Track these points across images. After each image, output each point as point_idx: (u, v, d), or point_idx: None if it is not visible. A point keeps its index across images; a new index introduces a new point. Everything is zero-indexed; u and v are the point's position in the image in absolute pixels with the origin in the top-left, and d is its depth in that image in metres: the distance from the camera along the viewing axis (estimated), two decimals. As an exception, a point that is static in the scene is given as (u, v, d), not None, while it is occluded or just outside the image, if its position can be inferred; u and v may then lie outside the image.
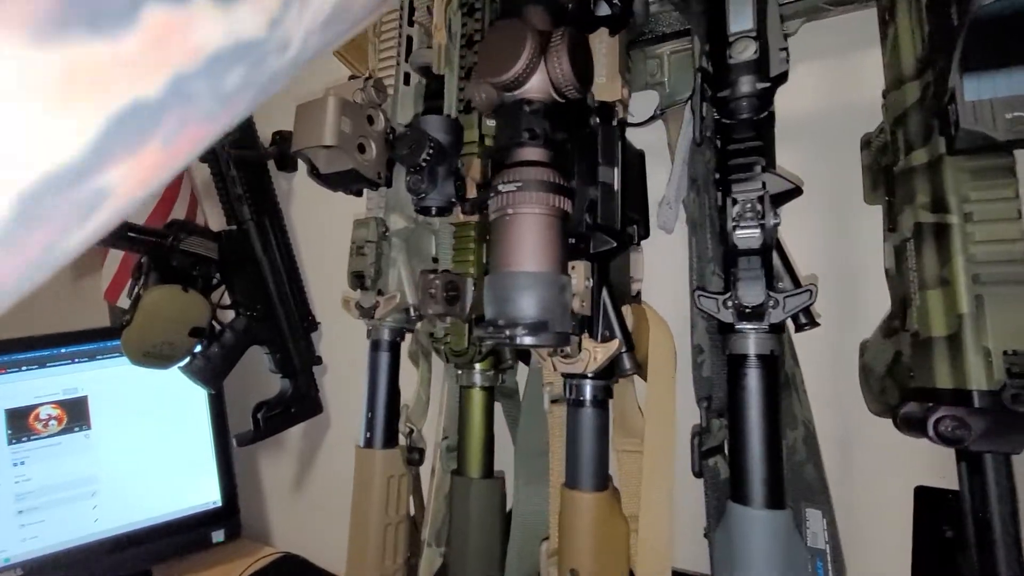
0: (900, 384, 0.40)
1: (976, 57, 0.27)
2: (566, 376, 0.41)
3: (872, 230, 0.42)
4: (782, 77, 0.32)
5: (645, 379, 0.44)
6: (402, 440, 0.54)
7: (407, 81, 0.57)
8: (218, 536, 0.93)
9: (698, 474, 0.39)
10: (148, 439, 0.96)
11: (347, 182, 0.51)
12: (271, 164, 0.95)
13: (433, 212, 0.46)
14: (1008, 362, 0.27)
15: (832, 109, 0.52)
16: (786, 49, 0.32)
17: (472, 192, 0.48)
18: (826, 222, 0.50)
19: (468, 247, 0.48)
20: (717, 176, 0.38)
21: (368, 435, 0.53)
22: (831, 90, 0.53)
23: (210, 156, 0.84)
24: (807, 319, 0.36)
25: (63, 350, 0.92)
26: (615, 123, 0.44)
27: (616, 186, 0.43)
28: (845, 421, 0.48)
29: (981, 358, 0.28)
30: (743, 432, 0.36)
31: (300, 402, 0.92)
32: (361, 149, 0.49)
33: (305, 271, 0.97)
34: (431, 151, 0.41)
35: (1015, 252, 0.28)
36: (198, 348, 0.80)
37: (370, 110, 0.50)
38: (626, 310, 0.43)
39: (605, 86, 0.42)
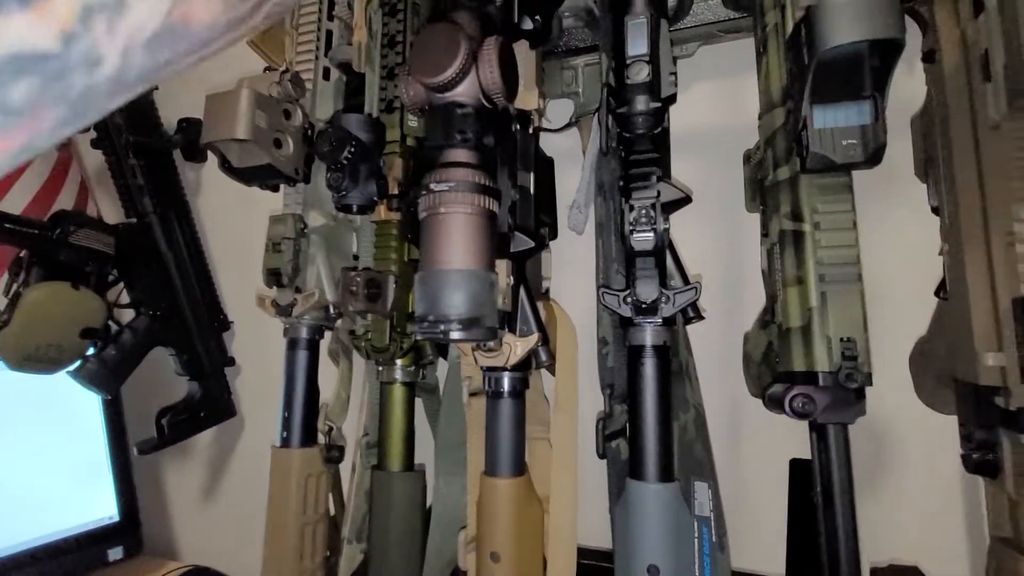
0: (771, 369, 0.46)
1: (823, 91, 0.32)
2: (486, 369, 0.43)
3: (753, 235, 0.48)
4: (671, 98, 0.36)
5: (553, 372, 0.47)
6: (321, 439, 0.54)
7: (326, 76, 0.57)
8: (116, 553, 0.86)
9: (602, 456, 0.43)
10: (33, 450, 0.86)
11: (262, 177, 0.49)
12: (177, 153, 0.89)
13: (354, 210, 0.46)
14: (843, 347, 0.33)
15: (724, 124, 0.59)
16: (675, 73, 0.36)
17: (394, 190, 0.49)
18: (717, 227, 0.56)
19: (390, 244, 0.49)
20: (621, 184, 0.42)
21: (285, 434, 0.52)
22: (724, 107, 0.59)
23: (104, 142, 0.77)
24: (694, 313, 0.41)
25: (-79, 356, 0.81)
26: (531, 130, 0.47)
27: (531, 189, 0.46)
28: (732, 403, 0.55)
29: (825, 345, 0.34)
30: (640, 415, 0.40)
31: (210, 405, 0.87)
32: (277, 144, 0.48)
33: (216, 268, 0.92)
34: (352, 149, 0.41)
35: (850, 256, 0.34)
36: (91, 351, 0.73)
37: (287, 104, 0.50)
38: (538, 307, 0.45)
39: (523, 95, 0.45)
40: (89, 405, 0.89)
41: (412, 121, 0.50)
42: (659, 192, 0.39)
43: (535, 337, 0.41)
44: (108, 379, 0.75)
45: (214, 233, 0.93)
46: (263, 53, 0.57)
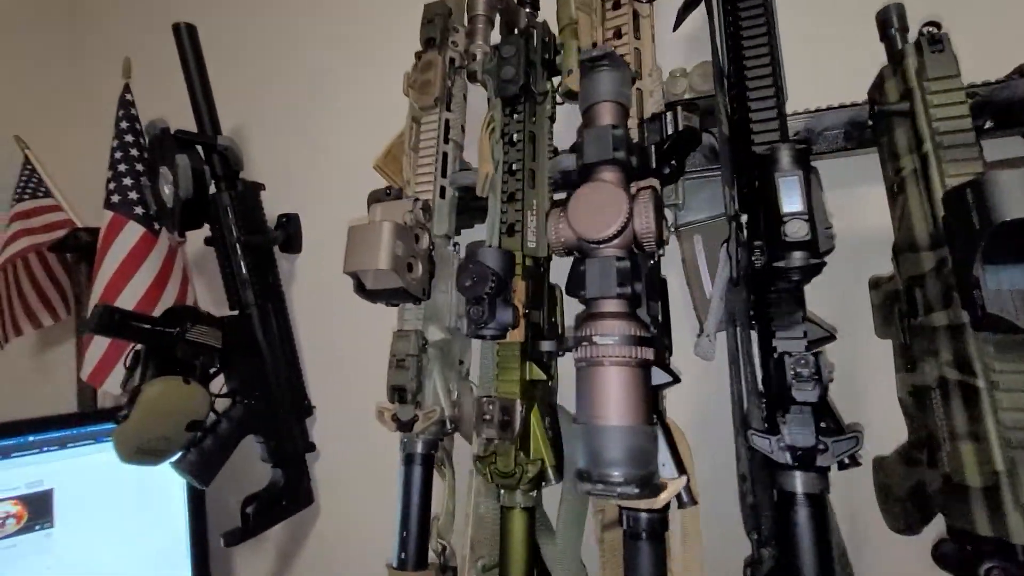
0: (921, 511, 0.43)
1: (996, 254, 0.32)
2: (628, 510, 0.42)
3: (873, 356, 0.46)
4: (829, 251, 0.37)
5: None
6: (433, 557, 0.53)
7: (443, 195, 0.60)
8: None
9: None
10: (117, 537, 0.88)
11: (393, 298, 0.52)
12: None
13: (487, 338, 0.47)
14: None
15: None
16: (831, 227, 0.37)
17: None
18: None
19: (513, 367, 0.50)
20: (752, 313, 0.42)
21: (402, 555, 0.51)
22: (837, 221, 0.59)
23: (217, 239, 0.83)
24: (850, 461, 0.39)
25: (30, 438, 0.85)
26: (657, 259, 0.48)
27: (660, 319, 0.46)
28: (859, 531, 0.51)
29: (1020, 514, 0.32)
30: (796, 567, 0.38)
31: (291, 493, 0.88)
32: (409, 268, 0.51)
33: (302, 352, 0.95)
34: (492, 283, 0.43)
35: (1036, 421, 0.32)
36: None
37: (417, 230, 0.53)
38: (669, 435, 0.45)
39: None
40: (175, 494, 0.91)
41: (531, 242, 0.52)
42: (805, 332, 0.39)
43: (683, 480, 0.40)
44: (207, 469, 0.77)
45: (302, 319, 0.97)
46: (386, 175, 0.61)
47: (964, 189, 0.33)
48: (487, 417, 0.44)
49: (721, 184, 0.48)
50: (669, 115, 0.40)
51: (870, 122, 0.42)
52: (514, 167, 0.55)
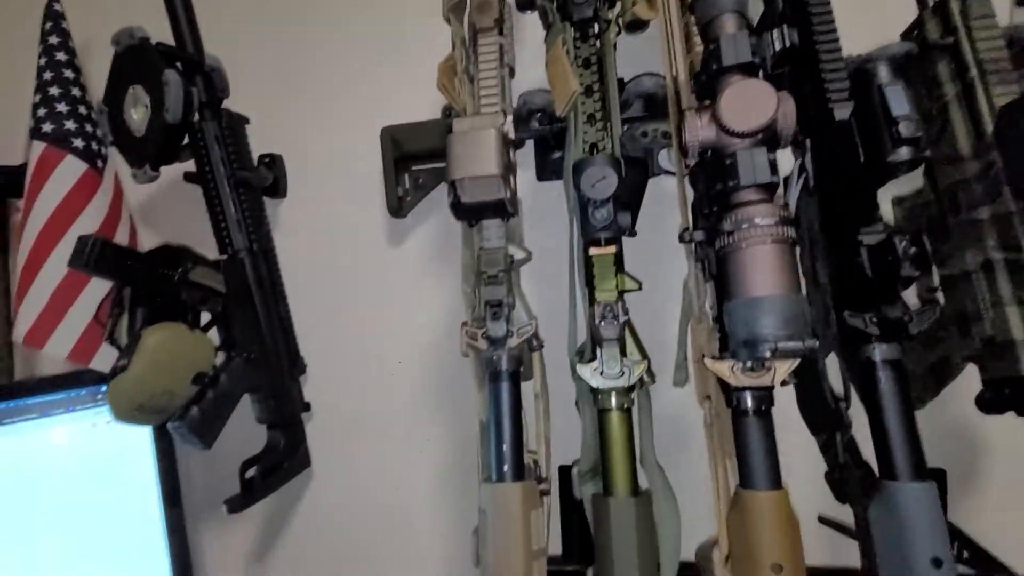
0: (937, 382, 0.53)
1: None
2: (739, 389, 0.46)
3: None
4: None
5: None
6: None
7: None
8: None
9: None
10: (70, 524, 0.75)
11: (484, 212, 0.51)
12: (258, 188, 0.85)
13: (602, 243, 0.49)
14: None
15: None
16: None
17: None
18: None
19: (610, 276, 0.52)
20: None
21: (502, 469, 0.51)
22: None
23: (204, 174, 0.73)
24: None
25: (-50, 415, 0.69)
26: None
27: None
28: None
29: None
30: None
31: (292, 454, 0.81)
32: (506, 181, 0.50)
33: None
34: (617, 184, 0.44)
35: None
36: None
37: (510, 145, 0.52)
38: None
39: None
40: (142, 467, 0.80)
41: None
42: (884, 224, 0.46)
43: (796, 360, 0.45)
44: (209, 429, 0.68)
45: (286, 270, 0.89)
46: (451, 97, 0.59)
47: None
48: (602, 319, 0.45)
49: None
50: (775, 31, 0.44)
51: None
52: (594, 88, 0.56)
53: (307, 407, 0.85)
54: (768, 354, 0.37)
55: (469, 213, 0.50)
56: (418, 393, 0.86)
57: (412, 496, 0.85)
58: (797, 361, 0.45)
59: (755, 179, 0.40)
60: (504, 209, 0.51)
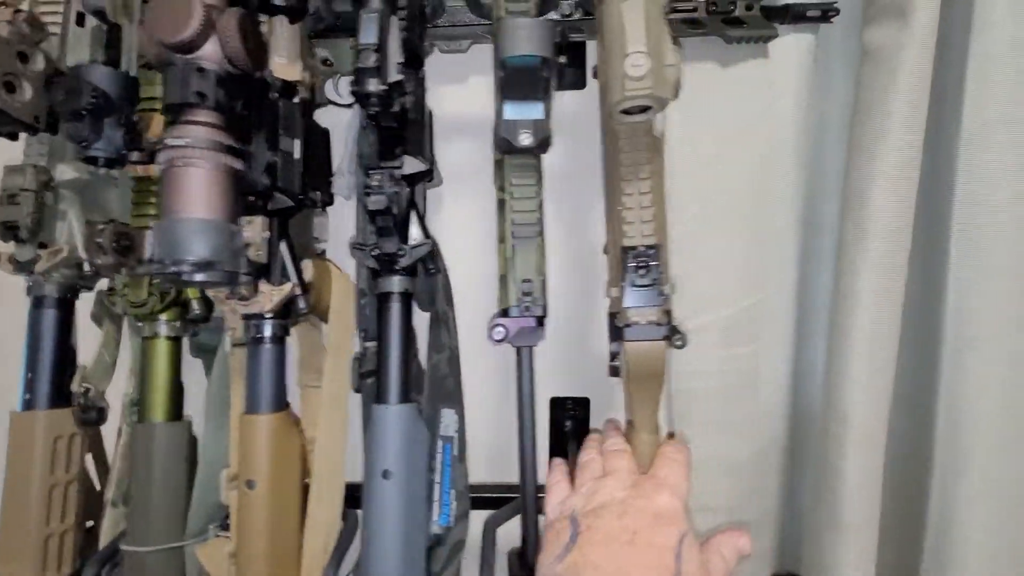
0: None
1: (512, 90, 0.43)
2: (246, 318, 0.46)
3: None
4: (398, 84, 0.43)
5: (327, 321, 0.53)
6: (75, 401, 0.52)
7: (80, 22, 0.54)
8: None
9: (357, 390, 0.50)
10: None
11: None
12: None
13: (100, 163, 0.45)
14: (522, 287, 0.44)
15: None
16: (402, 63, 0.43)
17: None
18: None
19: (148, 201, 0.49)
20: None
21: (28, 397, 0.49)
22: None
23: None
24: (433, 266, 0.49)
25: None
26: (296, 100, 0.51)
27: (296, 155, 0.50)
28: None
29: (514, 285, 0.45)
30: (385, 352, 0.47)
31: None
32: (9, 88, 0.46)
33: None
34: (93, 99, 0.41)
35: (531, 218, 0.45)
36: None
37: (22, 46, 0.47)
38: (308, 263, 0.50)
39: (285, 67, 0.49)
40: None
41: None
42: (402, 163, 0.47)
43: (289, 286, 0.45)
44: None
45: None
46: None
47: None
48: (99, 242, 0.43)
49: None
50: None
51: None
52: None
53: None
54: (175, 277, 0.37)
55: None
56: None
57: None
58: (287, 288, 0.45)
59: (180, 98, 0.38)
60: (13, 119, 0.46)
